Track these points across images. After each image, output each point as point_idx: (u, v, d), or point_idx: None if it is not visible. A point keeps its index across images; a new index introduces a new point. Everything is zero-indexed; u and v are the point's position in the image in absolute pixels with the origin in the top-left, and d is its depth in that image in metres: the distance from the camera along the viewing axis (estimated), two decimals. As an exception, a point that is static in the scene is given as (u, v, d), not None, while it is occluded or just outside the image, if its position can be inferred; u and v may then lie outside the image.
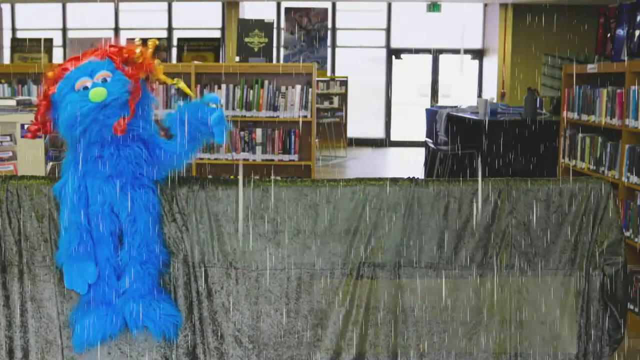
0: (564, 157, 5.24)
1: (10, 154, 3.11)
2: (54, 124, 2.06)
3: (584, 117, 4.87)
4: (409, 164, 11.72)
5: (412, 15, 14.45)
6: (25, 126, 3.08)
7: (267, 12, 14.01)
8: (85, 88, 1.99)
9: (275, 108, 5.46)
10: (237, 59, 5.73)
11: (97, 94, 1.96)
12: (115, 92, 1.98)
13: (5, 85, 5.66)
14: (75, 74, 2.02)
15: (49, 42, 6.60)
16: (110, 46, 2.09)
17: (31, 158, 3.09)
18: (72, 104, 1.97)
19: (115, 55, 2.06)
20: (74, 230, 2.04)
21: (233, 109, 5.49)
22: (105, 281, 2.09)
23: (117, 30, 14.49)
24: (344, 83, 13.53)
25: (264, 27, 5.75)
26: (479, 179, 2.21)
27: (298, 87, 5.44)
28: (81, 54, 2.09)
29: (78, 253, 2.04)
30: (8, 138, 3.11)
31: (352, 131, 14.11)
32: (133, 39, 2.16)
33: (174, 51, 8.18)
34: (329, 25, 14.08)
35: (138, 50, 2.06)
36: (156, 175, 2.12)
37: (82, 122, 1.97)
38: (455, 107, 8.49)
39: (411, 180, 2.22)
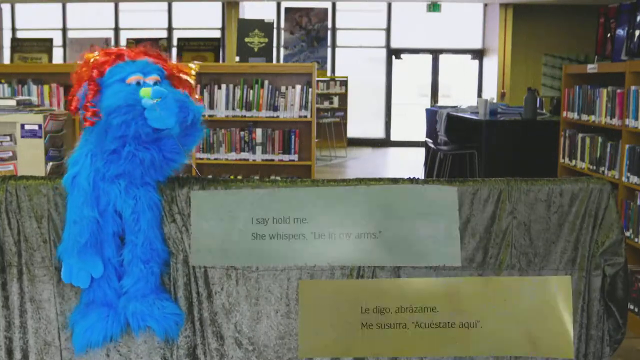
0: (563, 157, 5.23)
1: (10, 154, 3.10)
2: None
3: (584, 117, 4.87)
4: (409, 164, 11.72)
5: (412, 15, 14.45)
6: (25, 126, 3.08)
7: (267, 12, 14.02)
8: (138, 84, 2.02)
9: (275, 108, 5.46)
10: (237, 59, 5.73)
11: (148, 93, 1.98)
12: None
13: (5, 85, 5.66)
14: (130, 67, 2.06)
15: (49, 42, 6.60)
16: (162, 56, 2.16)
17: (31, 158, 3.09)
18: (121, 94, 1.99)
19: (167, 65, 2.14)
20: (86, 224, 2.02)
21: (233, 109, 5.49)
22: (107, 282, 2.09)
23: (117, 30, 14.50)
24: (344, 83, 13.53)
25: (264, 27, 5.75)
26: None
27: (298, 87, 5.44)
28: (133, 49, 2.13)
29: (88, 247, 2.03)
30: (8, 138, 3.11)
31: (352, 131, 14.12)
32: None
33: (174, 51, 8.18)
34: (329, 25, 14.08)
35: (190, 79, 2.18)
36: (158, 176, 2.12)
37: (127, 113, 1.98)
38: (455, 107, 8.49)
39: (411, 180, 2.22)
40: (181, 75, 2.16)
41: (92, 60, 2.07)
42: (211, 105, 5.50)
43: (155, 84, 2.04)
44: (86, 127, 2.09)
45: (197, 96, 2.19)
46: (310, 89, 5.44)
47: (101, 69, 2.05)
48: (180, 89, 2.12)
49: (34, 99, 5.11)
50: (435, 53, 14.91)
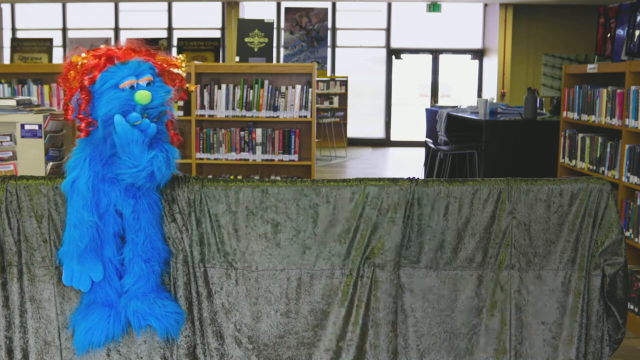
0: (563, 157, 5.23)
1: (10, 154, 3.10)
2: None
3: (584, 117, 4.87)
4: (409, 164, 11.72)
5: (412, 15, 14.46)
6: (25, 126, 3.08)
7: (267, 12, 14.02)
8: (132, 87, 1.99)
9: (275, 108, 5.45)
10: (237, 59, 5.73)
11: (143, 97, 1.97)
12: (158, 97, 2.01)
13: (5, 85, 5.66)
14: (122, 71, 2.01)
15: (49, 42, 6.60)
16: (151, 52, 2.11)
17: (31, 158, 3.09)
18: (116, 101, 1.97)
19: (158, 62, 2.09)
20: (86, 228, 2.02)
21: (233, 109, 5.48)
22: (108, 282, 2.09)
23: (117, 30, 14.50)
24: (344, 83, 13.54)
25: (264, 27, 5.75)
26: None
27: (298, 87, 5.44)
28: (121, 48, 2.07)
29: (88, 251, 2.03)
30: (8, 138, 3.11)
31: (352, 131, 14.13)
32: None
33: (174, 51, 8.19)
34: (329, 25, 14.08)
35: (181, 71, 2.13)
36: None
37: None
38: (455, 107, 8.49)
39: (411, 180, 2.22)
40: (172, 69, 2.12)
41: (79, 64, 2.02)
42: (211, 105, 5.50)
43: (149, 84, 2.01)
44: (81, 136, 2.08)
45: (187, 85, 2.16)
46: (310, 89, 5.44)
47: (92, 76, 2.00)
48: (170, 85, 2.09)
49: (34, 99, 5.11)
50: (435, 53, 14.91)
